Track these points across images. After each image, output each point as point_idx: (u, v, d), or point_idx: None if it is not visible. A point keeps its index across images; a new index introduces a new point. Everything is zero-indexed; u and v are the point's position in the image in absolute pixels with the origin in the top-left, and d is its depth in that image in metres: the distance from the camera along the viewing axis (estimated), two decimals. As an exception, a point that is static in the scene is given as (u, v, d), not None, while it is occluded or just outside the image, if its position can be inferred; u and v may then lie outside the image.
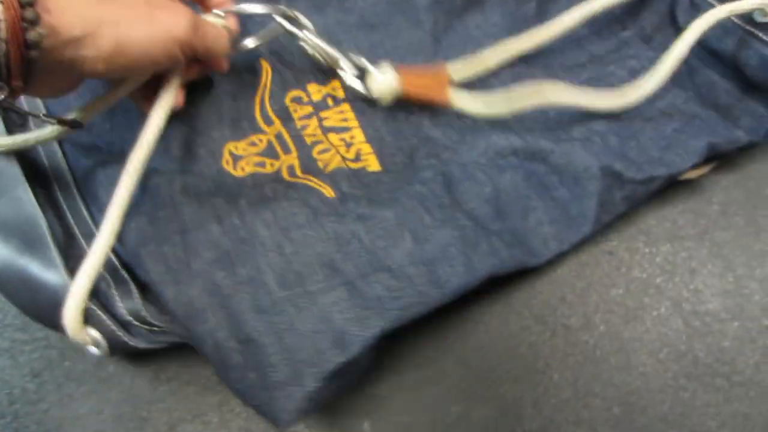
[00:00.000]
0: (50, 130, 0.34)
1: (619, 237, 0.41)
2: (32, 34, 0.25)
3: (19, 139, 0.34)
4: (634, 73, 0.42)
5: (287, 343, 0.31)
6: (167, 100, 0.35)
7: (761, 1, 0.39)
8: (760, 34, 0.40)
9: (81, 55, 0.27)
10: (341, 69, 0.39)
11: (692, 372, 0.38)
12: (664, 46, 0.43)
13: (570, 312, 0.39)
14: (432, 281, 0.33)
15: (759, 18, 0.40)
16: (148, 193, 0.35)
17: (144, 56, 0.29)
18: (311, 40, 0.38)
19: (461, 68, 0.40)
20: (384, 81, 0.38)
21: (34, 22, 0.25)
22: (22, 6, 0.24)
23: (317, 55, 0.39)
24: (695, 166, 0.40)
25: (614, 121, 0.40)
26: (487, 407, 0.37)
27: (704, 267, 0.40)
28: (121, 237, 0.33)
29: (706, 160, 0.40)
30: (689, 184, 0.42)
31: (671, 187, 0.42)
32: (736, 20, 0.41)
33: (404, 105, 0.40)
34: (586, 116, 0.41)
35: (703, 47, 0.42)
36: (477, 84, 0.41)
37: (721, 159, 0.42)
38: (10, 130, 0.36)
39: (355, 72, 0.39)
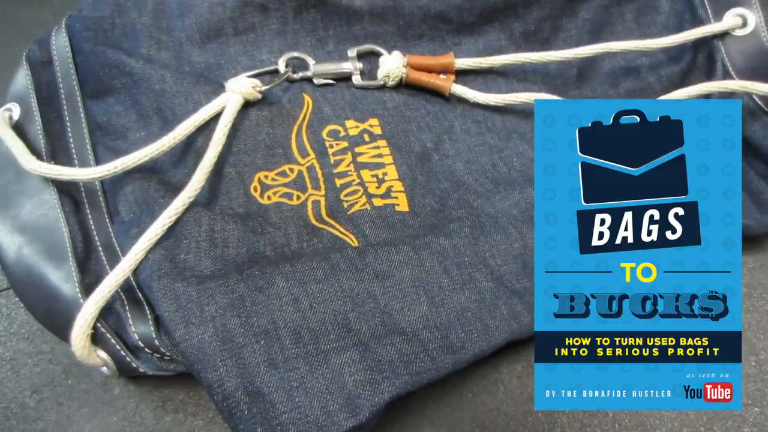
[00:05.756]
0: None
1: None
2: None
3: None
4: None
5: (297, 401, 0.30)
6: (218, 144, 0.36)
7: None
8: None
9: None
10: (356, 72, 0.42)
11: (711, 456, 0.37)
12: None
13: (591, 381, 0.38)
14: (445, 347, 0.33)
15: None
16: (174, 229, 0.34)
17: None
18: (320, 68, 0.42)
19: (468, 61, 0.43)
20: (391, 60, 0.42)
21: None
22: None
23: (330, 79, 0.42)
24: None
25: None
26: (502, 473, 0.36)
27: (729, 349, 0.40)
28: (136, 266, 0.33)
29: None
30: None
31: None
32: (764, 106, 0.41)
33: (437, 146, 0.41)
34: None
35: None
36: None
37: (748, 240, 0.42)
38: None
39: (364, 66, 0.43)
